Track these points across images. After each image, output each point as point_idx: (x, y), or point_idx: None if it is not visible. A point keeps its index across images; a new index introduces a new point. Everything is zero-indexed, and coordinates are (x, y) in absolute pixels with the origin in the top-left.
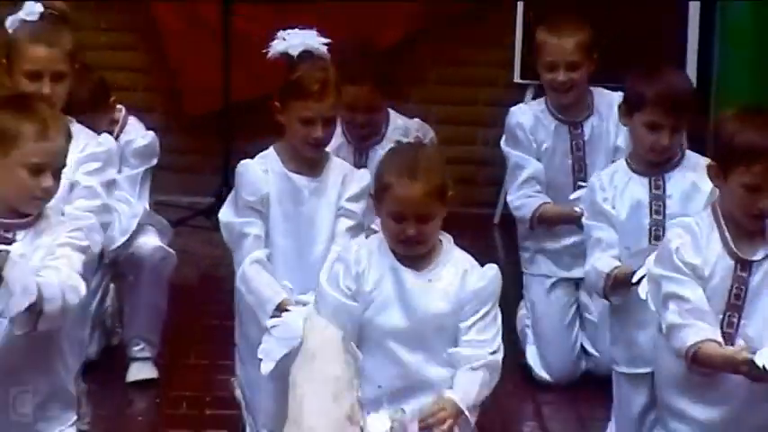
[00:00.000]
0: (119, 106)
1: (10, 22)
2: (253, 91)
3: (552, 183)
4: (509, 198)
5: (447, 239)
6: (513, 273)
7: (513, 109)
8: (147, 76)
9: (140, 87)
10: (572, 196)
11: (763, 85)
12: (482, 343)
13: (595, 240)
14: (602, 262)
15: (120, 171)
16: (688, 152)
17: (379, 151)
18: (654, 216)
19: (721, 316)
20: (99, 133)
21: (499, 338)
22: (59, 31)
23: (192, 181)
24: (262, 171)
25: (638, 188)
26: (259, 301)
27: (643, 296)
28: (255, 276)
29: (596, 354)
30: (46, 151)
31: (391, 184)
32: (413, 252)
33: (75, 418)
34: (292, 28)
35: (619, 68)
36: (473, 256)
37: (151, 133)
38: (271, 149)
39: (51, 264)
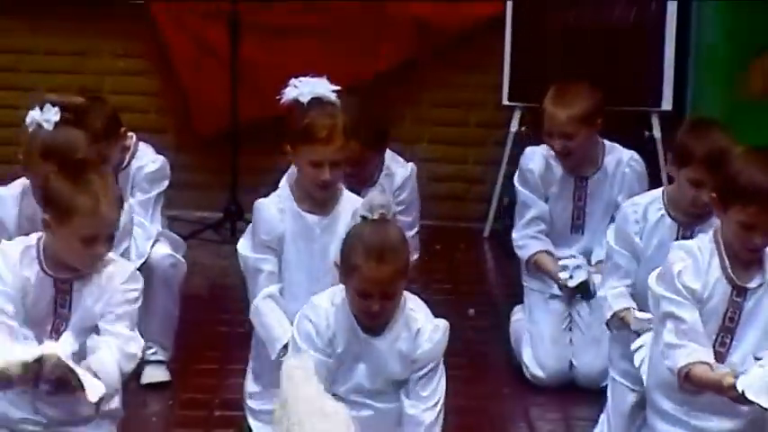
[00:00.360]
0: (129, 134)
1: (29, 119)
2: (258, 112)
3: (552, 224)
4: (514, 235)
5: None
6: (502, 282)
7: (527, 151)
8: (160, 99)
9: (153, 109)
10: (561, 262)
11: (733, 105)
12: (425, 399)
13: (614, 266)
14: (614, 296)
15: (132, 195)
16: None
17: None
18: None
19: (715, 336)
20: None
21: (440, 393)
22: (70, 144)
23: (201, 197)
24: (277, 211)
25: (668, 231)
26: (269, 338)
27: (637, 363)
28: (268, 312)
29: (576, 366)
30: (97, 225)
31: (359, 266)
32: (375, 323)
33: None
34: (295, 55)
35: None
36: (465, 267)
37: (161, 158)
38: (285, 187)
39: (106, 337)
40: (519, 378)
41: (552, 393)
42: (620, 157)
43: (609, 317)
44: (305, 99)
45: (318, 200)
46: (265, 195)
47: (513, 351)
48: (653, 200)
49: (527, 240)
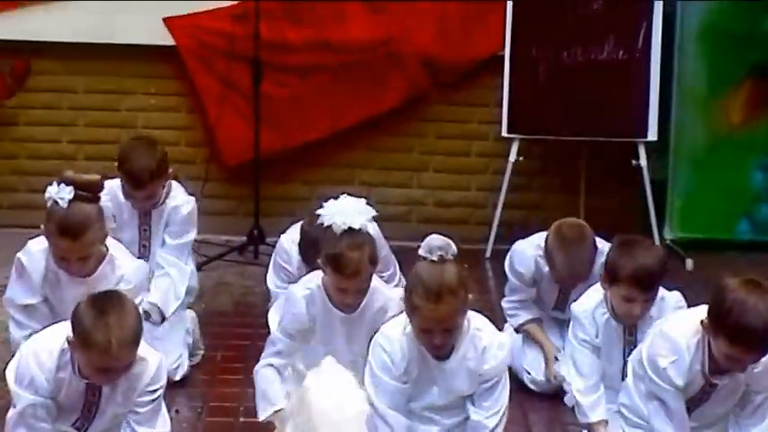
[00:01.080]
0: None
1: (48, 194)
2: (278, 144)
3: (539, 301)
4: (505, 305)
5: (467, 319)
6: (500, 299)
7: (518, 250)
8: (189, 133)
9: (183, 142)
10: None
11: (713, 134)
12: (489, 407)
13: (576, 363)
14: (590, 406)
15: (167, 233)
16: (662, 296)
17: None
18: (626, 358)
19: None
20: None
21: (503, 401)
22: (83, 227)
23: (227, 222)
24: (306, 305)
25: (614, 332)
26: (263, 399)
27: None
28: (268, 378)
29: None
30: (108, 361)
31: (419, 307)
32: (440, 353)
33: None
34: (312, 92)
35: (594, 122)
36: (468, 284)
37: (192, 199)
38: (318, 283)
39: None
40: (517, 386)
41: (548, 399)
42: (602, 261)
43: (584, 423)
44: (338, 230)
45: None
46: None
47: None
48: (598, 304)
49: (517, 311)
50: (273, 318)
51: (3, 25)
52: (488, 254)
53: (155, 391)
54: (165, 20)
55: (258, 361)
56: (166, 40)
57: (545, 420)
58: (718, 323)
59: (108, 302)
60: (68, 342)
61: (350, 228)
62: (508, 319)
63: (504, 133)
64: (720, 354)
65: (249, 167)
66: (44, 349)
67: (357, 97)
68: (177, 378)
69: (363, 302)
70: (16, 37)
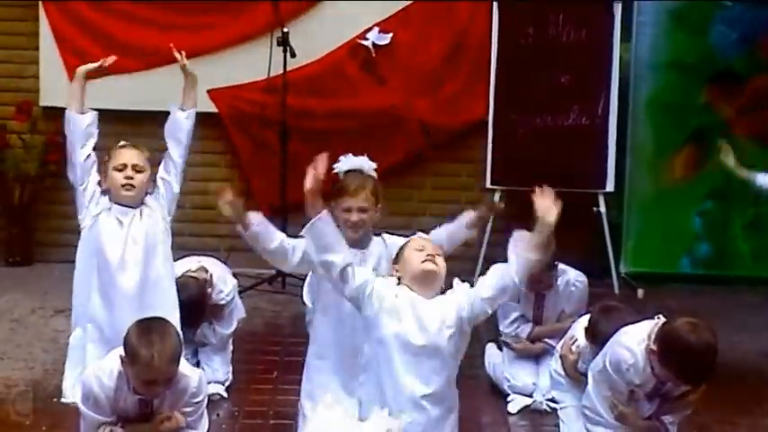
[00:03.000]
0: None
1: None
2: (301, 194)
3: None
4: (506, 330)
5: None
6: (486, 324)
7: None
8: (228, 184)
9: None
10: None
11: (659, 186)
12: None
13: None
14: None
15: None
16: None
17: None
18: None
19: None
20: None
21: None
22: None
23: (259, 258)
24: None
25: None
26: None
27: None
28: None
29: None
30: (152, 374)
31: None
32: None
33: None
34: (329, 150)
35: (561, 175)
36: None
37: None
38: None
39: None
40: (499, 394)
41: (529, 414)
42: (567, 278)
43: None
44: (343, 169)
45: (351, 239)
46: None
47: (491, 375)
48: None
49: (519, 326)
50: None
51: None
52: (475, 282)
53: (198, 402)
54: (208, 91)
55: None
56: (209, 107)
57: (521, 422)
58: (668, 361)
59: (153, 324)
60: (121, 359)
61: (352, 169)
62: (511, 340)
63: (488, 185)
64: (662, 376)
65: (277, 212)
66: (104, 373)
67: (366, 154)
68: (224, 392)
69: (370, 245)
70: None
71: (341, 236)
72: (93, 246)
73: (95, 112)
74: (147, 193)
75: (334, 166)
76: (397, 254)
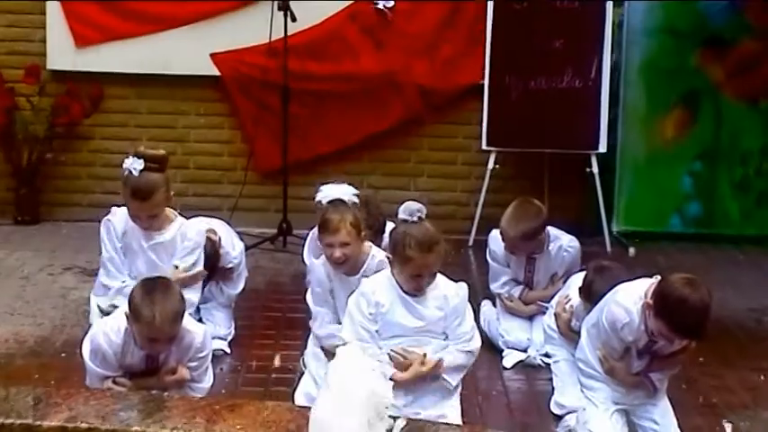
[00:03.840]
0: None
1: (124, 165)
2: (302, 154)
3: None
4: (498, 290)
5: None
6: (481, 280)
7: (493, 235)
8: (231, 146)
9: (226, 153)
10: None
11: (651, 147)
12: (463, 334)
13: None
14: None
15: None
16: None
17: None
18: None
19: (636, 355)
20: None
21: (475, 331)
22: (153, 188)
23: (261, 218)
24: (325, 274)
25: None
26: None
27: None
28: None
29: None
30: (154, 332)
31: (413, 257)
32: (421, 291)
33: None
34: (329, 113)
35: (556, 137)
36: (454, 268)
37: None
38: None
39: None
40: (494, 349)
41: (523, 369)
42: (559, 243)
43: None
44: (325, 201)
45: (342, 270)
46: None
47: (486, 332)
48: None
49: (510, 289)
50: (309, 298)
51: (82, 59)
52: (471, 242)
53: (203, 357)
54: (211, 55)
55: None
56: (213, 71)
57: (515, 376)
58: (663, 313)
59: (155, 285)
60: (126, 317)
61: (334, 199)
62: (504, 299)
63: (484, 146)
64: (656, 329)
65: (279, 173)
66: (111, 329)
67: (366, 117)
68: (227, 348)
69: (364, 266)
70: (93, 69)
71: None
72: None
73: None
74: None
75: (315, 195)
76: (395, 246)
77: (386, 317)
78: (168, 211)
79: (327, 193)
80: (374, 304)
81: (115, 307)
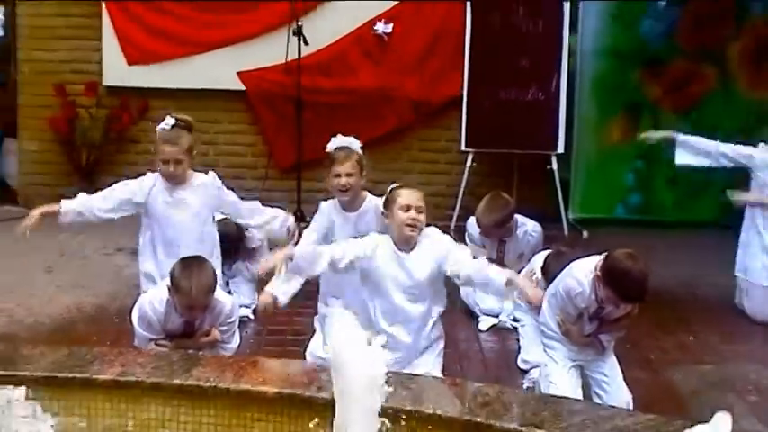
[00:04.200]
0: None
1: (159, 127)
2: (314, 155)
3: None
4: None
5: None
6: None
7: (470, 222)
8: (255, 148)
9: (250, 154)
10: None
11: (600, 148)
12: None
13: None
14: None
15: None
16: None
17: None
18: None
19: (588, 320)
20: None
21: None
22: (180, 137)
23: (279, 207)
24: (329, 211)
25: None
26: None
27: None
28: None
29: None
30: (190, 301)
31: (400, 194)
32: (414, 234)
33: None
34: (336, 120)
35: (522, 139)
36: None
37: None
38: (334, 202)
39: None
40: (471, 315)
41: (498, 331)
42: (525, 228)
43: None
44: (333, 147)
45: (344, 203)
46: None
47: (465, 301)
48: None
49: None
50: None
51: (132, 77)
52: (452, 228)
53: (231, 322)
54: (238, 73)
55: (301, 300)
56: (239, 86)
57: (490, 338)
58: (609, 282)
59: (193, 262)
60: (168, 289)
61: (340, 146)
62: None
63: (463, 148)
64: (604, 297)
65: (293, 170)
66: (156, 299)
67: (365, 124)
68: (251, 315)
69: (362, 206)
70: (141, 85)
71: (313, 255)
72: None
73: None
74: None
75: (327, 145)
76: (387, 199)
77: (379, 269)
78: (190, 172)
79: (337, 142)
80: (372, 250)
81: None
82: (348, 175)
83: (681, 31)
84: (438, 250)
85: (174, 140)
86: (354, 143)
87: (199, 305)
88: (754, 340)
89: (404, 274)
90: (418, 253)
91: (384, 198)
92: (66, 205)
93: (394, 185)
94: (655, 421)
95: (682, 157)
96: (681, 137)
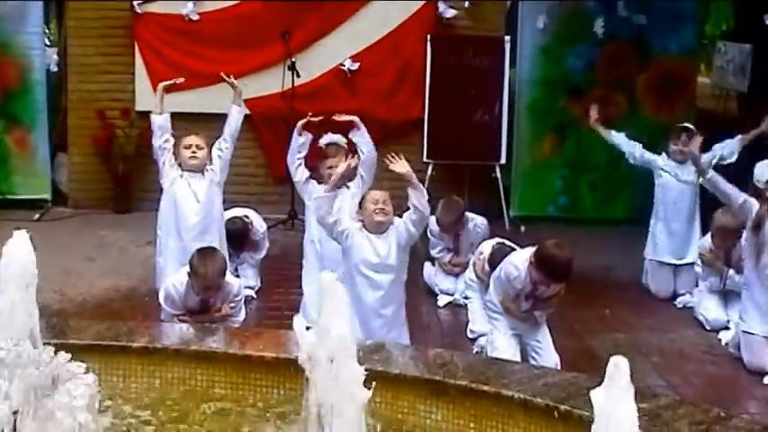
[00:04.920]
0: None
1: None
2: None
3: None
4: (434, 255)
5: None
6: (423, 251)
7: (432, 220)
8: (255, 159)
9: (252, 165)
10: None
11: (533, 162)
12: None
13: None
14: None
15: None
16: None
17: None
18: None
19: (524, 299)
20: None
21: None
22: (199, 132)
23: (276, 207)
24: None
25: None
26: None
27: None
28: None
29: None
30: (205, 284)
31: (370, 192)
32: (383, 220)
33: None
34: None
35: (471, 150)
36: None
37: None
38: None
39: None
40: (431, 294)
41: (456, 307)
42: (474, 222)
43: None
44: (324, 143)
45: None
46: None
47: (427, 282)
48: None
49: (444, 253)
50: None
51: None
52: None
53: (238, 300)
54: (244, 100)
55: (294, 283)
56: (245, 111)
57: (444, 311)
58: (540, 266)
59: (207, 251)
60: (187, 274)
61: (329, 142)
62: (441, 262)
63: (425, 159)
64: (537, 279)
65: (287, 178)
66: (178, 282)
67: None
68: (254, 294)
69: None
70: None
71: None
72: (172, 198)
73: (168, 115)
74: (206, 166)
75: (320, 141)
76: (360, 202)
77: (354, 243)
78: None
79: (327, 138)
80: (354, 228)
81: None
82: (334, 167)
83: (598, 66)
84: (396, 229)
85: (197, 132)
86: (341, 140)
87: (213, 286)
88: (657, 313)
89: (373, 253)
90: (386, 236)
91: (359, 201)
92: None
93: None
94: (577, 378)
95: (614, 138)
96: (614, 133)
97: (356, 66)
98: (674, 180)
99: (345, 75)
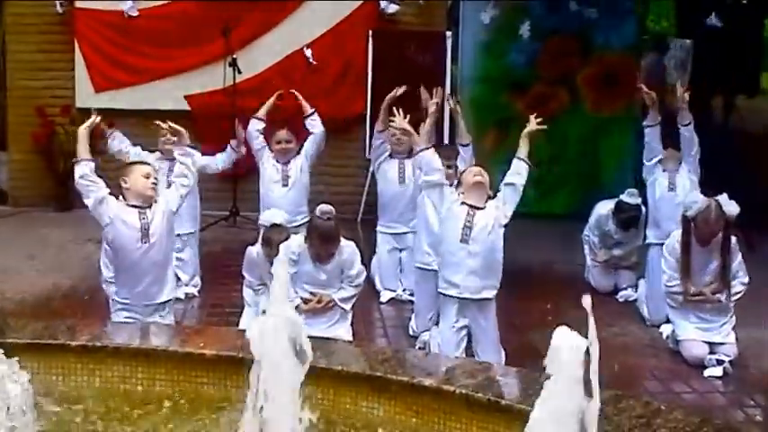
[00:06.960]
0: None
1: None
2: (245, 162)
3: None
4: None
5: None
6: (366, 245)
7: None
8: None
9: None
10: None
11: (480, 156)
12: (352, 276)
13: None
14: None
15: None
16: None
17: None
18: None
19: None
20: None
21: (363, 273)
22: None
23: (220, 205)
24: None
25: None
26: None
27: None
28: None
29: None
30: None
31: (314, 245)
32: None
33: None
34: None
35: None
36: (349, 236)
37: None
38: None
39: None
40: (375, 290)
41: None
42: None
43: None
44: (266, 224)
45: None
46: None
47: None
48: None
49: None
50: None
51: (99, 100)
52: (359, 219)
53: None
54: (185, 96)
55: (236, 280)
56: (186, 107)
57: (387, 308)
58: None
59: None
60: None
61: (272, 224)
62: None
63: (367, 156)
64: None
65: (230, 175)
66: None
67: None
68: (196, 292)
69: None
70: (108, 106)
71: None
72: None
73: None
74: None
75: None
76: (308, 231)
77: (301, 268)
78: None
79: (266, 217)
80: (297, 255)
81: None
82: (287, 141)
83: (540, 62)
84: (343, 257)
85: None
86: (279, 217)
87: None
88: (597, 307)
89: (318, 273)
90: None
91: (307, 229)
92: None
93: (317, 219)
94: (519, 373)
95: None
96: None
97: (309, 53)
98: None
99: (288, 70)
